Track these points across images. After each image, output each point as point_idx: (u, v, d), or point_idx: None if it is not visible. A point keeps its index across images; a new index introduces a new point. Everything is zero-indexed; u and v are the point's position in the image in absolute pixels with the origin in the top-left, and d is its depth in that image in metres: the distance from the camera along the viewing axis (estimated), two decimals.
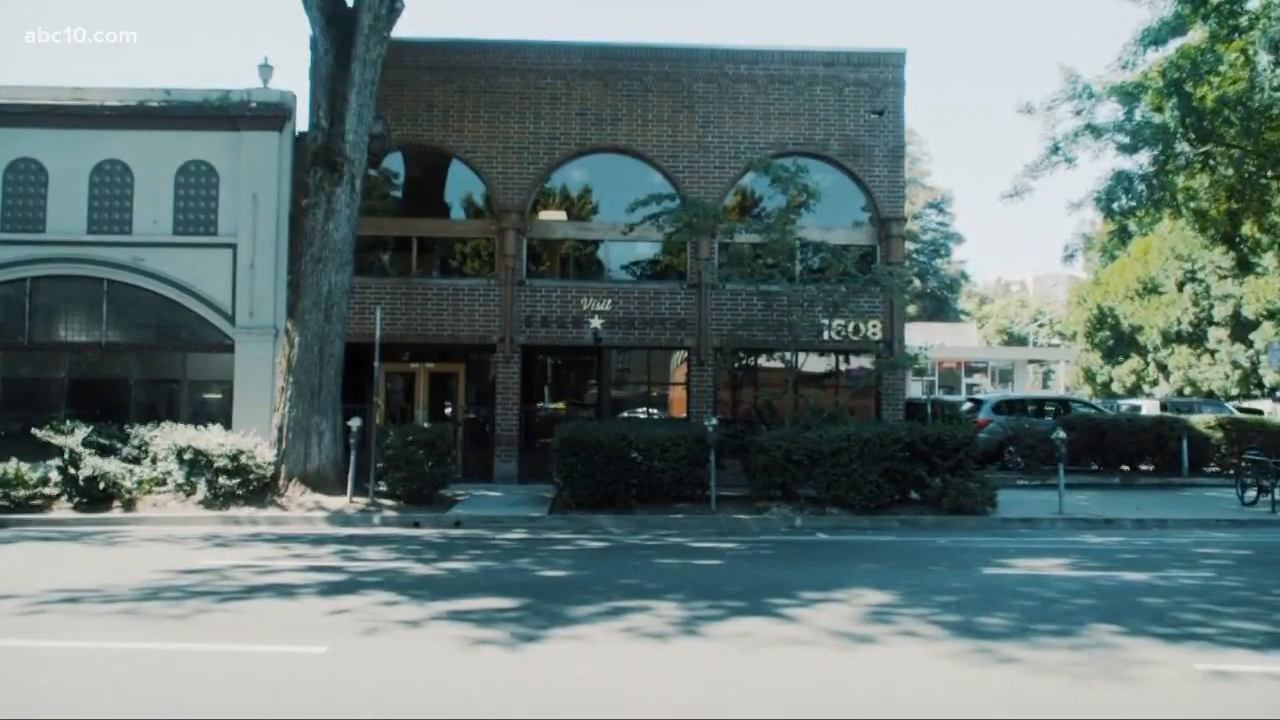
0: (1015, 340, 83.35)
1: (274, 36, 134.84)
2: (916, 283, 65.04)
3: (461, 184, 21.80)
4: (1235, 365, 45.84)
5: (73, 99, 20.61)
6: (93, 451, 16.74)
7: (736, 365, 21.65)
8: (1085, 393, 52.24)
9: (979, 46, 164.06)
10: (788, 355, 19.49)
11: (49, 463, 16.71)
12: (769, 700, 6.57)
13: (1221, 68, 20.91)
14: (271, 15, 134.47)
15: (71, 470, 16.33)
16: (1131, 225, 25.62)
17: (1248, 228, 23.98)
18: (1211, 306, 46.70)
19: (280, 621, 8.80)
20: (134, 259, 20.47)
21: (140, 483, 16.90)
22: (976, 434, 18.60)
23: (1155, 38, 21.36)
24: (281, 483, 17.25)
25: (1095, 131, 22.37)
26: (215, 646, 7.83)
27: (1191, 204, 23.72)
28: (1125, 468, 23.42)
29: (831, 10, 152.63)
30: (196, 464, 16.54)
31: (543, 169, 21.44)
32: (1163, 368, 50.06)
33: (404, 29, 19.49)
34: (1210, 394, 45.02)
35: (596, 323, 21.03)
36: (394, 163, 21.93)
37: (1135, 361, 52.24)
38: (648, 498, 16.87)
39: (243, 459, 16.65)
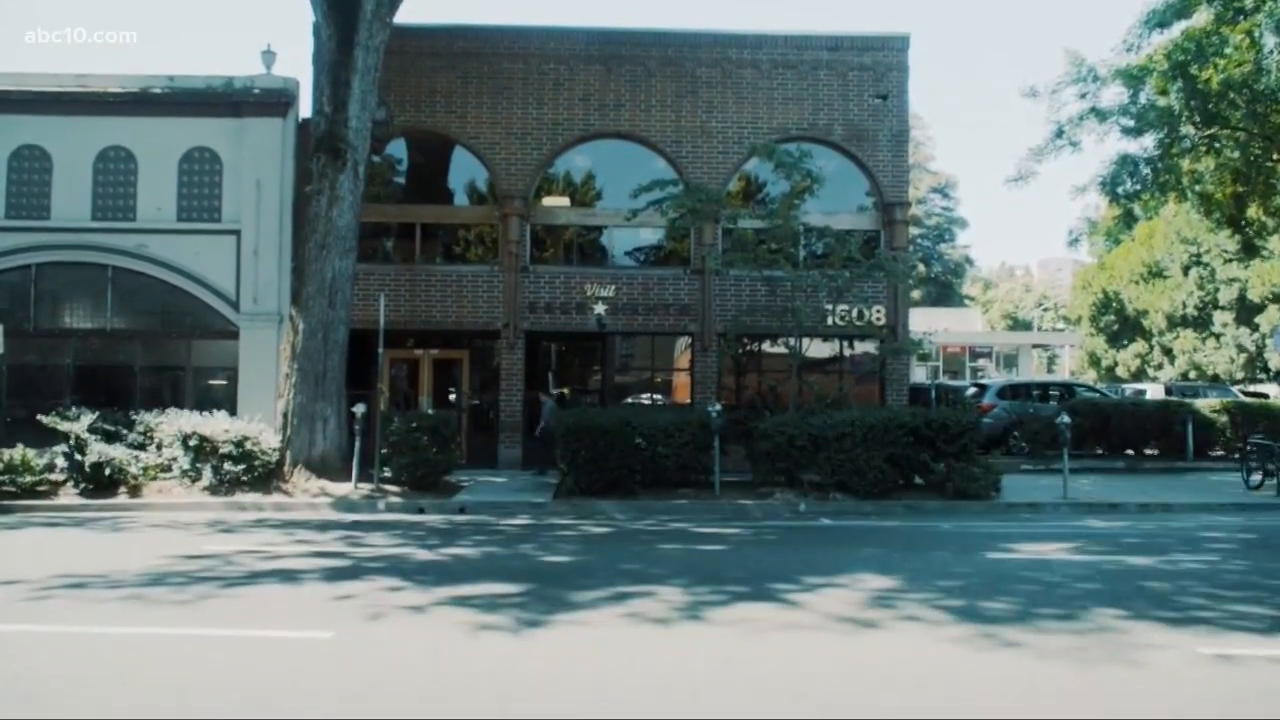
0: (1020, 325, 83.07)
1: (276, 24, 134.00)
2: (920, 268, 64.84)
3: (464, 170, 21.79)
4: (1240, 349, 45.71)
5: (77, 86, 20.61)
6: (98, 438, 16.80)
7: (740, 351, 21.64)
8: (1090, 377, 52.15)
9: (983, 29, 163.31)
10: (791, 341, 19.47)
11: (55, 449, 16.77)
12: (772, 685, 6.59)
13: (1227, 50, 20.76)
14: (274, 2, 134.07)
15: (77, 456, 16.39)
16: (1136, 209, 25.48)
17: (1253, 211, 23.88)
18: (1216, 290, 46.53)
19: (285, 607, 8.84)
20: (138, 246, 20.49)
21: (145, 469, 16.96)
22: (980, 419, 18.62)
23: (1160, 20, 21.22)
24: (286, 469, 17.29)
25: (1100, 115, 22.25)
26: (220, 632, 7.87)
27: (1196, 187, 23.61)
28: (1130, 452, 23.41)
29: None
30: (201, 450, 16.59)
31: (546, 155, 21.42)
32: (1167, 352, 49.92)
33: (406, 15, 19.45)
34: (1215, 378, 44.89)
35: (600, 309, 21.03)
36: (397, 149, 21.91)
37: (1140, 346, 52.08)
38: (651, 484, 16.90)
39: (247, 445, 16.70)
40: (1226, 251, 41.92)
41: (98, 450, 16.40)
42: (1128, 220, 26.99)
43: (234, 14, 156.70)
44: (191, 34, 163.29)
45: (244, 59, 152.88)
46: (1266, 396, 29.33)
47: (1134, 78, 21.70)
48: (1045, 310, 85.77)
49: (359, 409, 16.95)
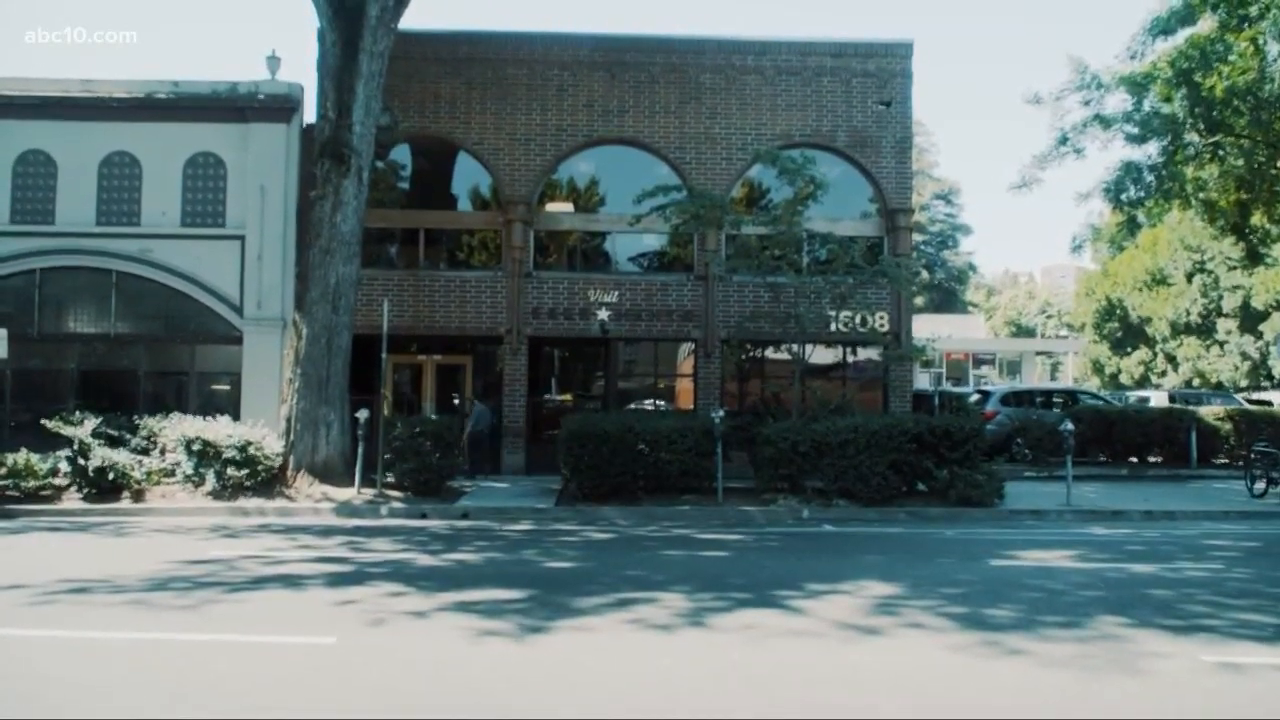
0: (1023, 332, 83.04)
1: (279, 24, 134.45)
2: (924, 274, 64.83)
3: (468, 176, 21.80)
4: (1244, 357, 45.68)
5: (81, 91, 20.65)
6: (102, 442, 16.80)
7: (743, 357, 21.64)
8: (1093, 384, 52.13)
9: (987, 36, 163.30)
10: (794, 347, 19.47)
11: (58, 454, 16.77)
12: (775, 692, 6.58)
13: (1231, 57, 20.82)
14: (278, 7, 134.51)
15: (81, 461, 16.39)
16: (1140, 216, 25.53)
17: (1257, 218, 23.90)
18: (1220, 297, 46.52)
19: (288, 612, 8.83)
20: (142, 251, 20.51)
21: (149, 474, 16.96)
22: (984, 426, 18.56)
23: (1164, 27, 21.29)
24: (289, 474, 17.30)
25: (1104, 122, 22.31)
26: (223, 637, 7.86)
27: (1200, 195, 23.65)
28: (1133, 459, 23.38)
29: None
30: (205, 455, 16.60)
31: (550, 161, 21.43)
32: (1171, 359, 49.89)
33: (410, 20, 19.46)
34: (1219, 385, 44.87)
35: (603, 314, 21.03)
36: (401, 154, 21.94)
37: (1143, 353, 52.07)
38: (654, 489, 16.88)
39: (251, 450, 16.70)
40: (1230, 259, 41.91)
41: (101, 455, 16.40)
42: (1131, 227, 27.08)
43: (236, 14, 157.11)
44: (193, 34, 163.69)
45: (247, 59, 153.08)
46: (1270, 404, 29.21)
47: (1138, 85, 21.77)
48: (1048, 317, 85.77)
49: (362, 414, 16.95)
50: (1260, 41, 20.42)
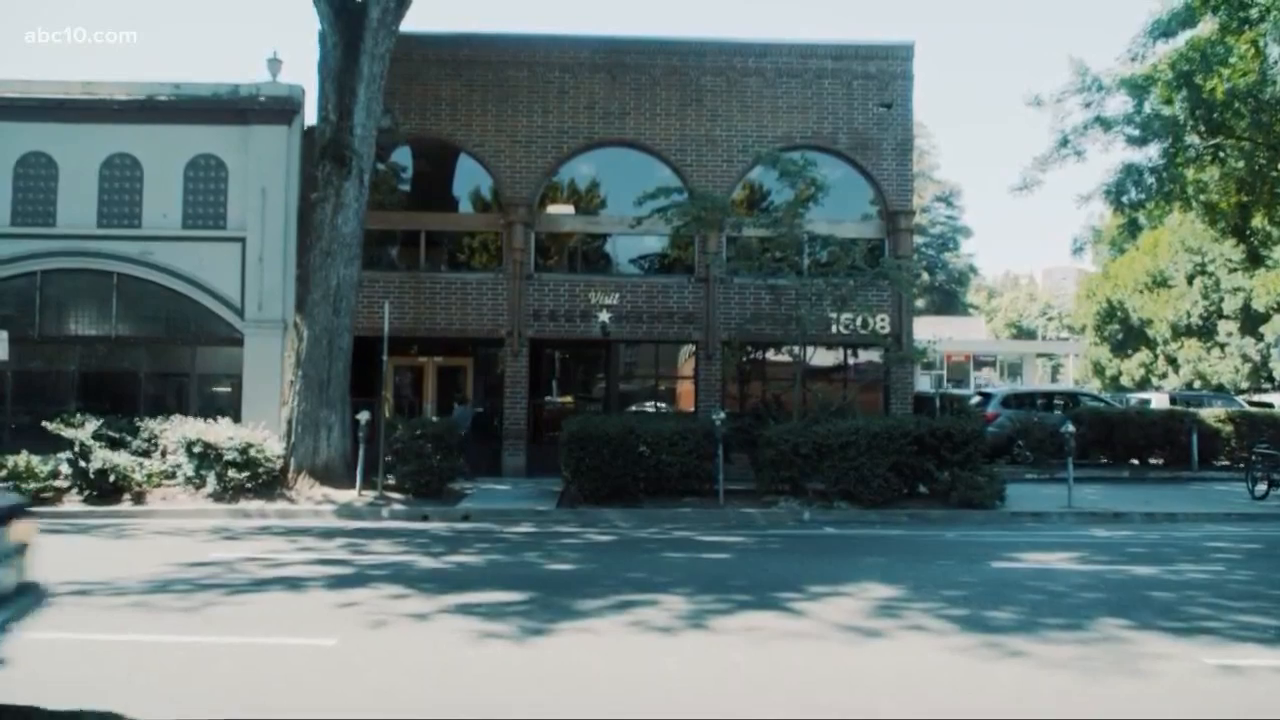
0: (1024, 334, 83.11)
1: (282, 30, 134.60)
2: (925, 276, 64.88)
3: (469, 178, 21.80)
4: (1245, 359, 45.65)
5: (82, 93, 20.66)
6: (103, 444, 16.78)
7: (744, 359, 21.64)
8: (1094, 386, 52.07)
9: (988, 38, 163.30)
10: (795, 349, 19.46)
11: (59, 456, 16.75)
12: (776, 694, 6.58)
13: (1231, 60, 20.82)
14: (279, 8, 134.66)
15: (81, 463, 16.38)
16: (1141, 218, 25.57)
17: (1258, 220, 23.90)
18: (1221, 300, 46.49)
19: (289, 614, 8.83)
20: (143, 253, 20.51)
21: (150, 476, 16.95)
22: (985, 428, 18.56)
23: (1165, 29, 21.28)
24: (290, 476, 17.30)
25: (1104, 124, 22.31)
26: (225, 639, 7.86)
27: (1201, 197, 23.64)
28: (1134, 461, 23.35)
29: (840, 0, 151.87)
30: (206, 457, 16.59)
31: (550, 163, 21.43)
32: (1172, 361, 49.85)
33: (412, 23, 19.47)
34: (1220, 387, 44.82)
35: (604, 316, 21.02)
36: (402, 156, 21.94)
37: (1144, 355, 52.02)
38: (655, 491, 16.87)
39: (252, 452, 16.70)
40: (1231, 261, 41.91)
41: (102, 457, 16.39)
42: (1132, 229, 27.14)
43: (237, 15, 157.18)
44: (193, 34, 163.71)
45: (248, 60, 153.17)
46: (1271, 406, 29.18)
47: (1139, 87, 21.76)
48: (1049, 319, 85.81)
49: (363, 416, 16.95)
50: (1261, 44, 20.43)
